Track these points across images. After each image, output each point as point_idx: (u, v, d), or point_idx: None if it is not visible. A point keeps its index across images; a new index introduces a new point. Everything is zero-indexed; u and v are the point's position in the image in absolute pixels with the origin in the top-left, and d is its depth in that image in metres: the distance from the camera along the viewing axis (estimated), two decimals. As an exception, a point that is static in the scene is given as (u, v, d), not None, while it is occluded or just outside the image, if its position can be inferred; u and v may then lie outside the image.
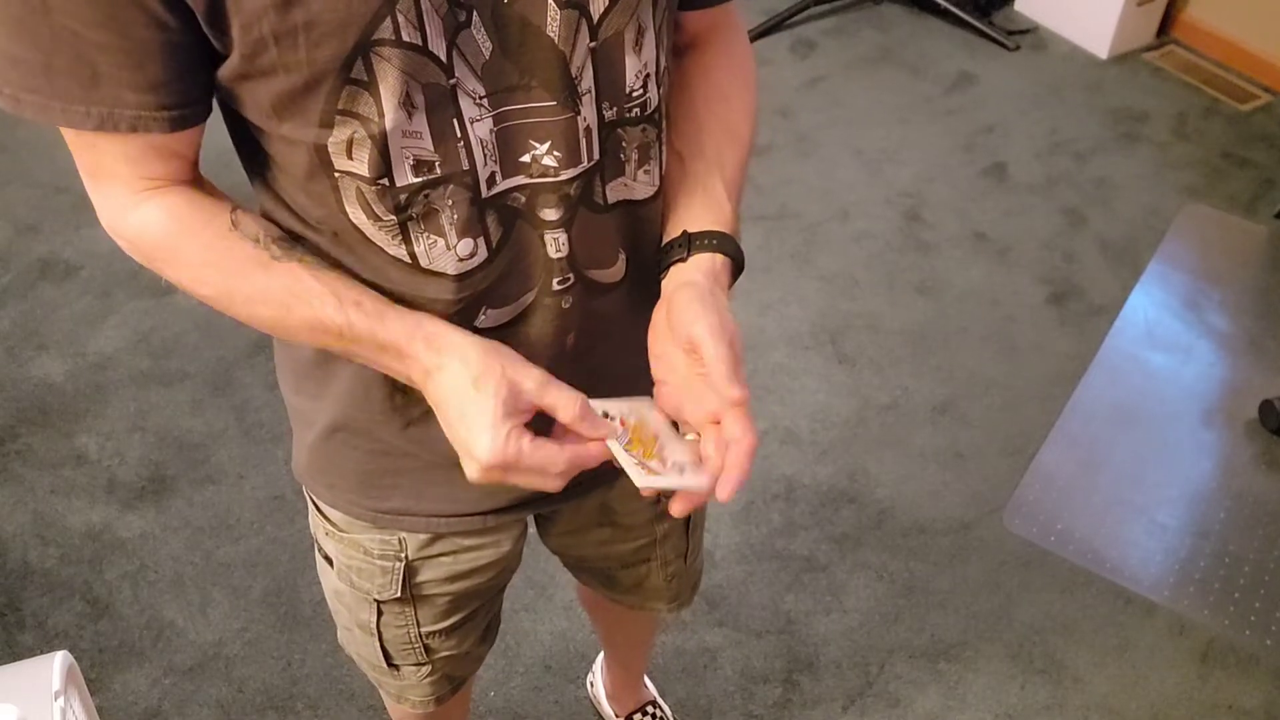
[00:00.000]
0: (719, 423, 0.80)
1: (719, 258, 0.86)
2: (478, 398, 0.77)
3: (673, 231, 0.89)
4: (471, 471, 0.78)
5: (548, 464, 0.77)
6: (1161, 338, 2.49)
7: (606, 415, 0.81)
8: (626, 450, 0.79)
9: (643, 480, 0.78)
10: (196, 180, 0.82)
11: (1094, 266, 2.65)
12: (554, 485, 0.79)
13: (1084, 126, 3.07)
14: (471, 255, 0.82)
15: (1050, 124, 3.08)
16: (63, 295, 2.48)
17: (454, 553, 1.07)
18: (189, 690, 1.83)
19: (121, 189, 0.79)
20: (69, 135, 0.76)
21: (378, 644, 1.16)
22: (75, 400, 2.26)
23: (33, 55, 0.70)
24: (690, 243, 0.87)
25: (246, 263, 0.80)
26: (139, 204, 0.79)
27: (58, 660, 1.24)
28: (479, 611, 1.18)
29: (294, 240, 0.82)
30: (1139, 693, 1.87)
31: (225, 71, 0.73)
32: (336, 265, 0.83)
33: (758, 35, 3.34)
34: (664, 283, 0.87)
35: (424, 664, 1.19)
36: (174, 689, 1.83)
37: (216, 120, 0.83)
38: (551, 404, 0.78)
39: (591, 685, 1.85)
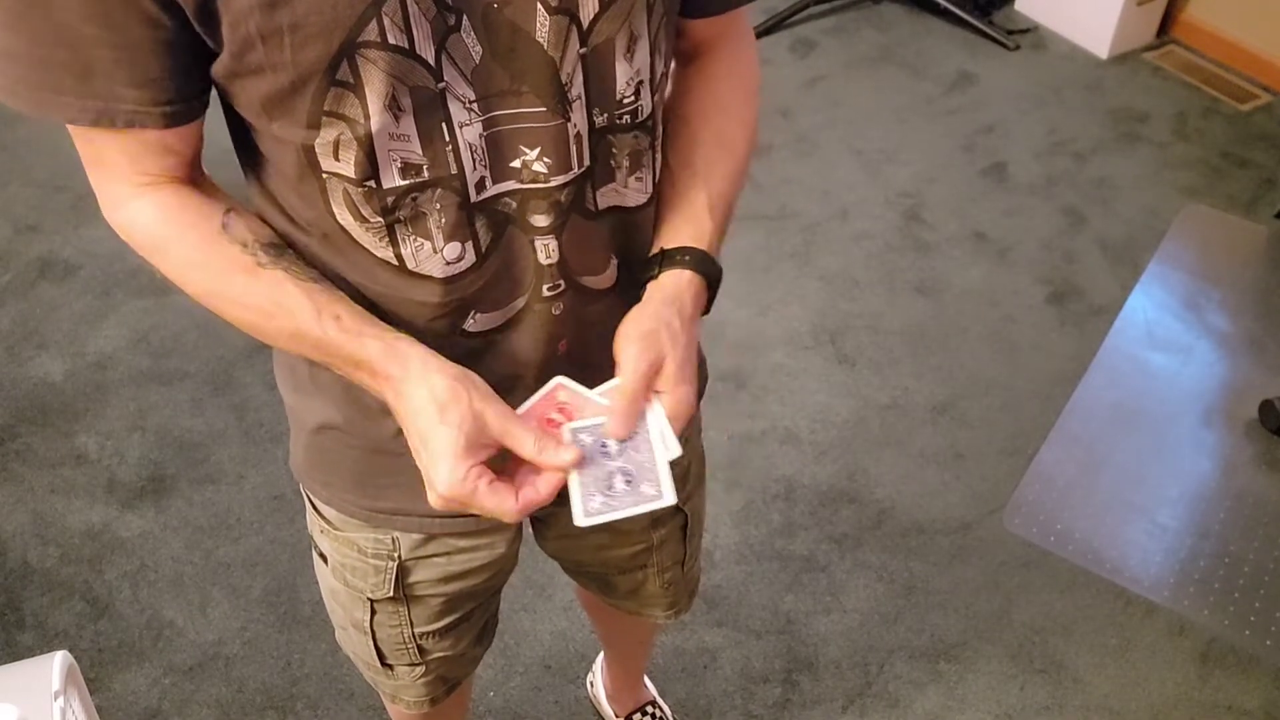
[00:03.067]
0: None
1: (686, 274, 0.86)
2: (441, 429, 0.76)
3: (654, 247, 0.89)
4: (431, 498, 0.78)
5: (500, 508, 0.77)
6: (1161, 338, 2.48)
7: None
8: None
9: (581, 519, 0.79)
10: (195, 177, 0.83)
11: (1094, 266, 2.65)
12: (510, 519, 0.79)
13: (1084, 126, 3.07)
14: (459, 259, 0.82)
15: (1050, 124, 3.08)
16: (62, 295, 2.48)
17: (448, 554, 1.07)
18: (189, 690, 1.83)
19: (119, 181, 0.80)
20: (71, 127, 0.77)
21: (371, 643, 1.16)
22: (75, 400, 2.27)
23: (31, 49, 0.70)
24: (664, 259, 0.87)
25: (232, 267, 0.80)
26: (134, 198, 0.80)
27: (57, 660, 1.24)
28: (474, 613, 1.18)
29: (282, 247, 0.83)
30: (1139, 693, 1.87)
31: (217, 68, 0.73)
32: (323, 273, 0.83)
33: (758, 35, 3.34)
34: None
35: (418, 664, 1.19)
36: (174, 689, 1.83)
37: (220, 120, 0.83)
38: (514, 439, 0.78)
39: (591, 685, 1.85)
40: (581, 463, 0.80)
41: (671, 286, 0.86)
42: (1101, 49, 3.32)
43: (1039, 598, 1.99)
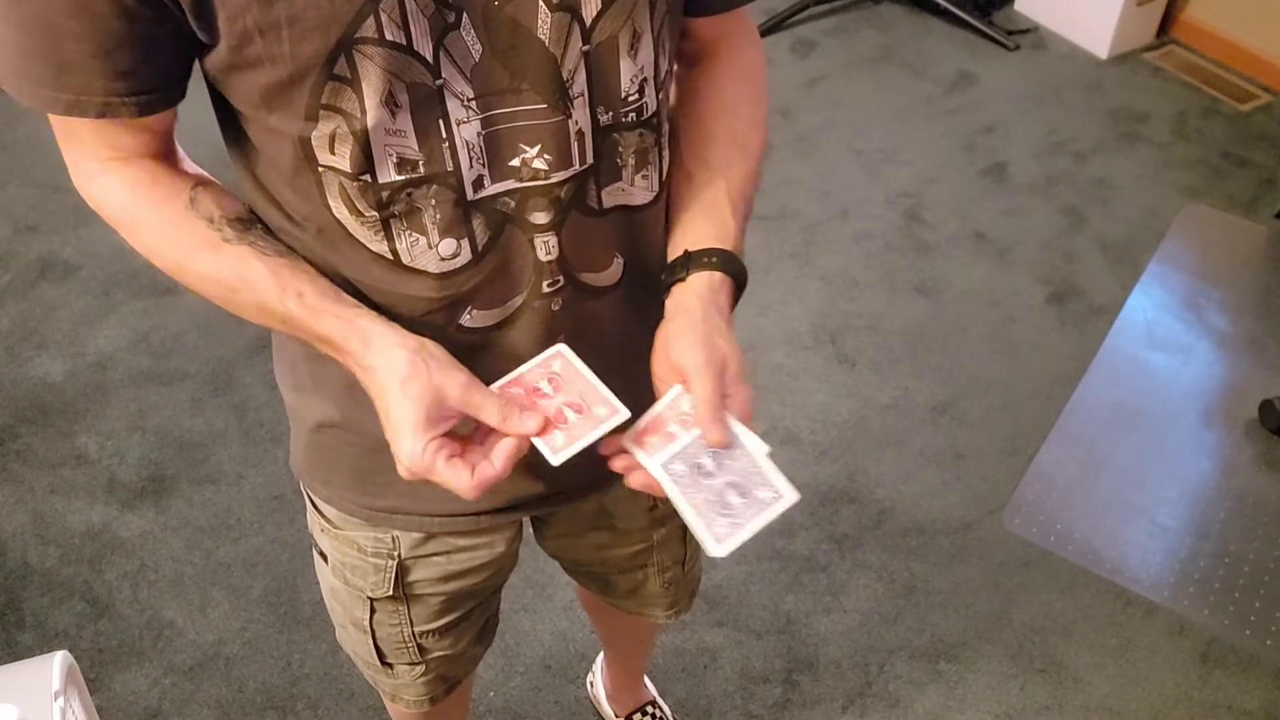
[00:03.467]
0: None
1: (718, 276, 0.86)
2: (402, 402, 0.77)
3: (675, 249, 0.88)
4: (399, 469, 0.79)
5: (456, 484, 0.77)
6: (1161, 338, 2.48)
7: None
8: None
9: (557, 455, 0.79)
10: (166, 154, 0.84)
11: (1094, 266, 2.65)
12: (468, 495, 0.78)
13: (1084, 126, 3.07)
14: (454, 255, 0.82)
15: (1050, 124, 3.08)
16: (62, 295, 2.48)
17: (447, 552, 1.07)
18: (189, 690, 1.83)
19: (88, 156, 0.81)
20: None
21: (371, 642, 1.16)
22: (75, 400, 2.27)
23: (16, 38, 0.72)
24: (690, 262, 0.86)
25: (198, 242, 0.81)
26: (103, 173, 0.81)
27: (57, 660, 1.24)
28: (474, 612, 1.18)
29: (250, 222, 0.83)
30: (1139, 693, 1.87)
31: (214, 61, 0.74)
32: (318, 269, 0.84)
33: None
34: (666, 304, 0.87)
35: (418, 663, 1.19)
36: (174, 689, 1.83)
37: (213, 119, 0.83)
38: (476, 408, 0.79)
39: (591, 685, 1.85)
40: (685, 490, 0.79)
41: (706, 289, 0.85)
42: (1101, 49, 3.32)
43: (1039, 598, 1.99)
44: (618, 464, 0.83)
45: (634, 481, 0.82)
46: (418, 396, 0.77)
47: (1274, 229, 2.77)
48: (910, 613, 1.97)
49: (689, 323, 0.83)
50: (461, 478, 0.77)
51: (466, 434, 0.80)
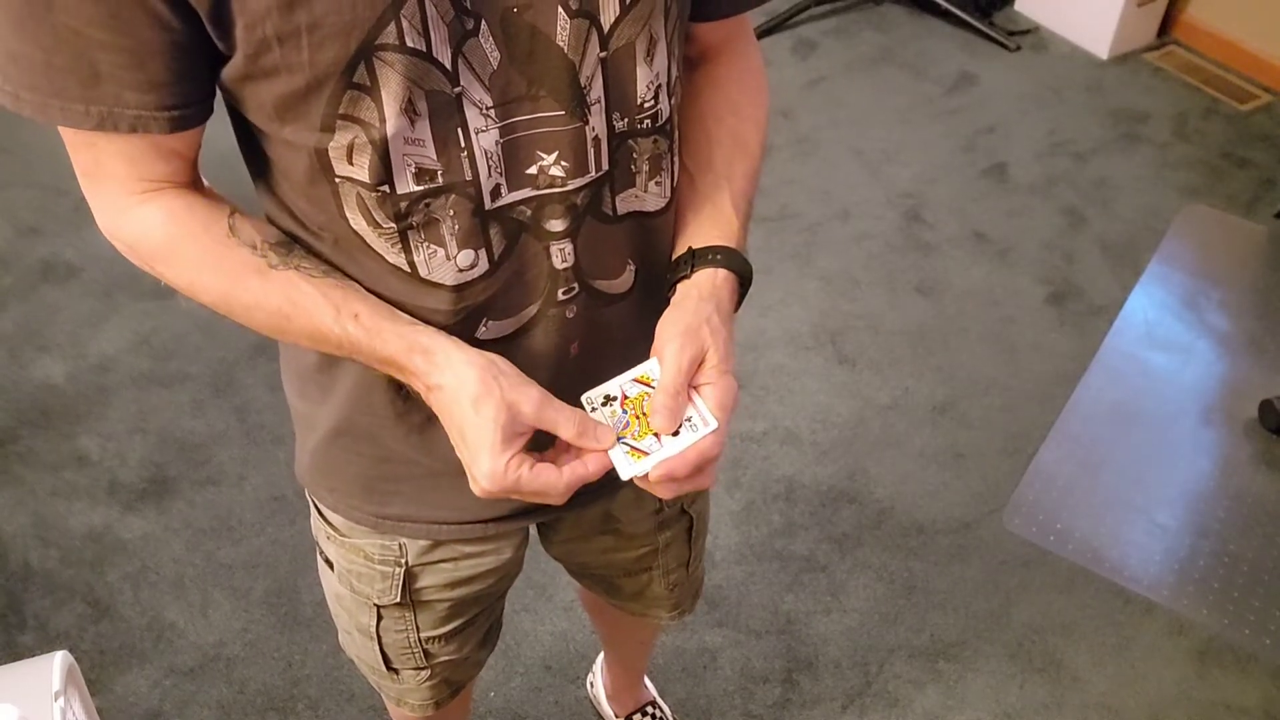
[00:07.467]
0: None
1: (721, 273, 0.87)
2: (477, 421, 0.76)
3: (680, 248, 0.89)
4: (474, 489, 0.79)
5: (548, 488, 0.77)
6: (1161, 338, 2.49)
7: (609, 398, 0.82)
8: (623, 441, 0.81)
9: (627, 471, 0.79)
10: (195, 182, 0.82)
11: (1094, 266, 2.65)
12: (557, 502, 0.79)
13: (1084, 126, 3.07)
14: (472, 266, 0.82)
15: (1050, 124, 3.08)
16: (64, 297, 2.49)
17: (454, 559, 1.07)
18: (190, 691, 1.83)
19: (119, 190, 0.78)
20: (67, 135, 0.75)
21: (377, 648, 1.16)
22: (76, 402, 2.27)
23: (34, 53, 0.69)
24: (694, 259, 0.87)
25: (244, 269, 0.79)
26: (137, 205, 0.78)
27: (58, 660, 1.24)
28: (479, 617, 1.18)
29: (290, 245, 0.82)
30: (1138, 692, 1.87)
31: (229, 72, 0.72)
32: (334, 269, 0.83)
33: (758, 36, 3.34)
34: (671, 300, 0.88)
35: (423, 668, 1.19)
36: (175, 690, 1.84)
37: (221, 123, 0.83)
38: (551, 423, 0.78)
39: (591, 685, 1.85)
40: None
41: (708, 284, 0.86)
42: (1102, 49, 3.32)
43: (1039, 597, 2.00)
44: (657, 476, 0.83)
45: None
46: (493, 416, 0.76)
47: (1274, 229, 2.77)
48: (910, 612, 1.97)
49: (679, 313, 0.84)
50: (552, 478, 0.77)
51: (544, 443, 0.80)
